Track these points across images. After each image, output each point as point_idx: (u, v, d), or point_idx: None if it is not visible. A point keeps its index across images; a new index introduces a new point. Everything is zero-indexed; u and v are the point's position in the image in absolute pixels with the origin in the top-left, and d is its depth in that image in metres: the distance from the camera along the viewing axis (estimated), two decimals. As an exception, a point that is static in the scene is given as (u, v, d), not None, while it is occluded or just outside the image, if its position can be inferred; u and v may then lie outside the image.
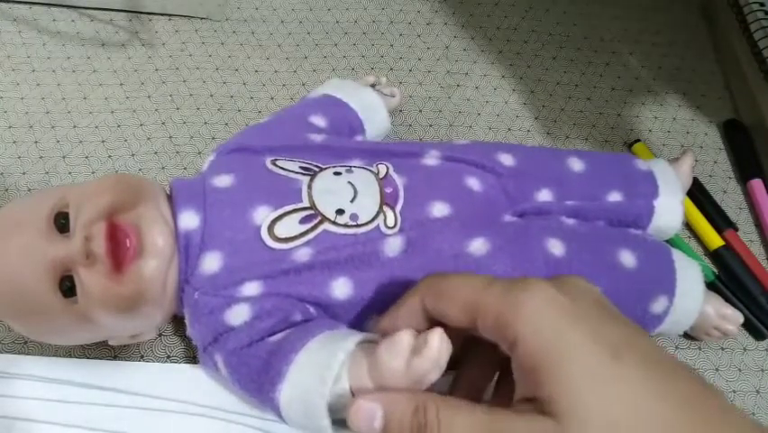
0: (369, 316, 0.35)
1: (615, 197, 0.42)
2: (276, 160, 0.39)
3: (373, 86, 0.50)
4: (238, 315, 0.34)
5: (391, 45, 0.59)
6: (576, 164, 0.43)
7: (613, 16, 0.63)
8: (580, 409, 0.23)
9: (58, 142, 0.49)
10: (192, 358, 0.39)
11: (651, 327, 0.40)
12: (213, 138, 0.51)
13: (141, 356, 0.39)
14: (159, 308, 0.35)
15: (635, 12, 0.64)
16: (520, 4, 0.64)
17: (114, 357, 0.39)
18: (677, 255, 0.41)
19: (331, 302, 0.35)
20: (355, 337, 0.31)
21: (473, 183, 0.40)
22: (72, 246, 0.32)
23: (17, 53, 0.54)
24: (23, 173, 0.47)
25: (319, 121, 0.44)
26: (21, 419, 0.36)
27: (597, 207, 0.42)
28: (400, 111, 0.53)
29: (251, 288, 0.34)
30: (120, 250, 0.32)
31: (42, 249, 0.32)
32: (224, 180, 0.37)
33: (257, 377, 0.32)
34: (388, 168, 0.39)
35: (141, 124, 0.51)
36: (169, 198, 0.37)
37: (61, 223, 0.33)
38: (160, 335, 0.40)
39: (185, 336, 0.40)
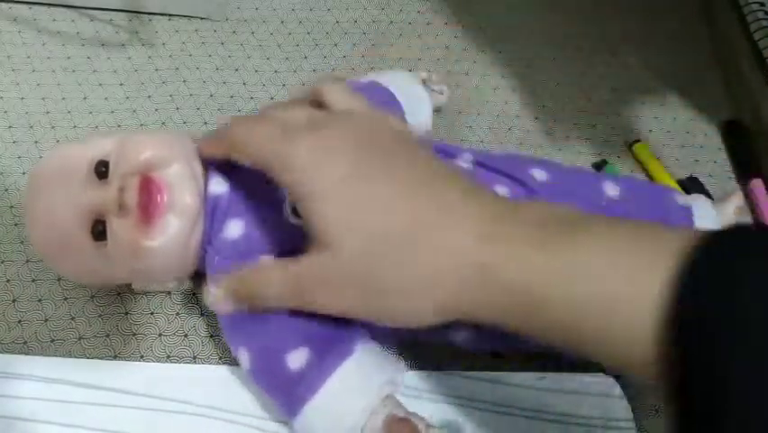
0: None
1: None
2: None
3: (424, 81, 0.50)
4: None
5: (391, 45, 0.59)
6: (611, 189, 0.41)
7: (613, 16, 0.63)
8: (342, 234, 0.28)
9: (58, 142, 0.49)
10: (192, 358, 0.39)
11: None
12: (213, 138, 0.51)
13: (141, 356, 0.39)
14: (180, 263, 0.37)
15: (635, 12, 0.64)
16: (520, 4, 0.64)
17: (114, 357, 0.39)
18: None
19: None
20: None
21: (501, 192, 0.39)
22: (107, 195, 0.34)
23: (17, 53, 0.54)
24: (23, 173, 0.47)
25: None
26: (21, 419, 0.36)
27: None
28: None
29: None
30: (151, 203, 0.34)
31: (81, 194, 0.34)
32: None
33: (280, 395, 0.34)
34: None
35: (142, 124, 0.51)
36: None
37: (101, 170, 0.35)
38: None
39: (185, 336, 0.40)
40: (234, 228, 0.36)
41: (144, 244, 0.34)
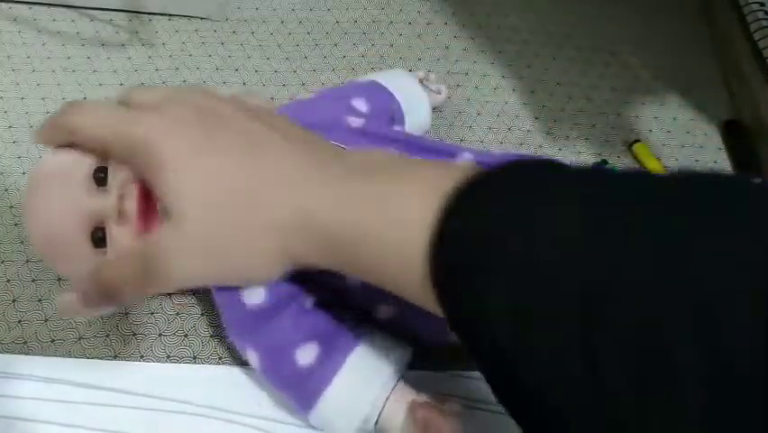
0: (380, 304, 0.36)
1: None
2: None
3: (421, 81, 0.51)
4: (253, 295, 0.35)
5: (391, 45, 0.59)
6: None
7: (613, 16, 0.63)
8: (182, 203, 0.30)
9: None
10: (192, 358, 0.39)
11: None
12: (213, 138, 0.51)
13: (141, 356, 0.39)
14: None
15: (635, 12, 0.64)
16: (520, 3, 0.64)
17: (114, 357, 0.39)
18: None
19: (343, 287, 0.36)
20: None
21: None
22: (107, 202, 0.33)
23: (17, 53, 0.54)
24: (23, 173, 0.47)
25: (361, 105, 0.44)
26: (20, 419, 0.36)
27: None
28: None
29: None
30: (150, 211, 0.34)
31: (80, 200, 0.34)
32: None
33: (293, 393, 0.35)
34: None
35: (141, 124, 0.51)
36: None
37: (100, 177, 0.34)
38: (160, 336, 0.40)
39: (185, 336, 0.40)
40: None
41: None
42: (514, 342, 0.22)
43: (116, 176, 0.34)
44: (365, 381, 0.34)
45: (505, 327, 0.22)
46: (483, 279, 0.23)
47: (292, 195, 0.30)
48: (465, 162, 0.29)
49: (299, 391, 0.34)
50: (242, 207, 0.30)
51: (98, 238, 0.34)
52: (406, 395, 0.35)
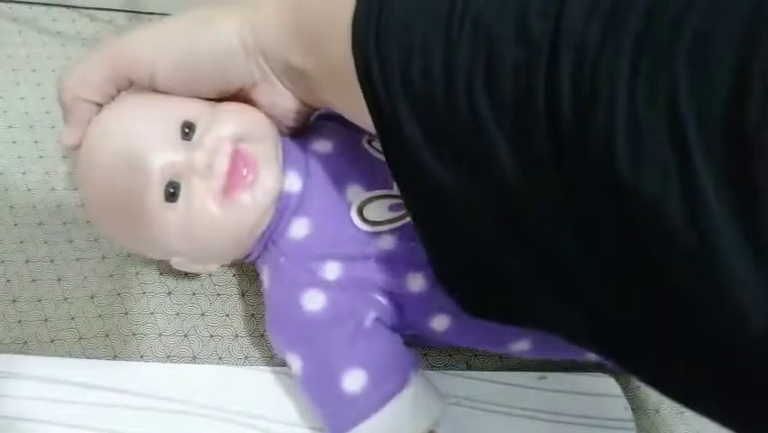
0: (435, 310, 0.35)
1: None
2: (372, 140, 0.38)
3: None
4: (314, 301, 0.34)
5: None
6: None
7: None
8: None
9: (58, 142, 0.49)
10: (192, 358, 0.39)
11: None
12: (213, 138, 0.51)
13: (141, 356, 0.39)
14: (235, 248, 0.36)
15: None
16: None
17: (114, 357, 0.39)
18: None
19: (404, 293, 0.35)
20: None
21: None
22: (196, 155, 0.33)
23: (17, 53, 0.54)
24: (23, 173, 0.47)
25: None
26: (21, 419, 0.36)
27: None
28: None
29: (332, 270, 0.35)
30: (236, 175, 0.34)
31: (164, 151, 0.33)
32: (326, 148, 0.37)
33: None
34: None
35: (141, 124, 0.51)
36: None
37: (185, 131, 0.34)
38: (160, 337, 0.40)
39: (185, 336, 0.40)
40: (299, 228, 0.35)
41: (217, 214, 0.33)
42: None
43: (208, 133, 0.34)
44: (403, 424, 0.33)
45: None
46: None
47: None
48: None
49: (336, 413, 0.33)
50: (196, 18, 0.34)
51: (170, 193, 0.34)
52: None
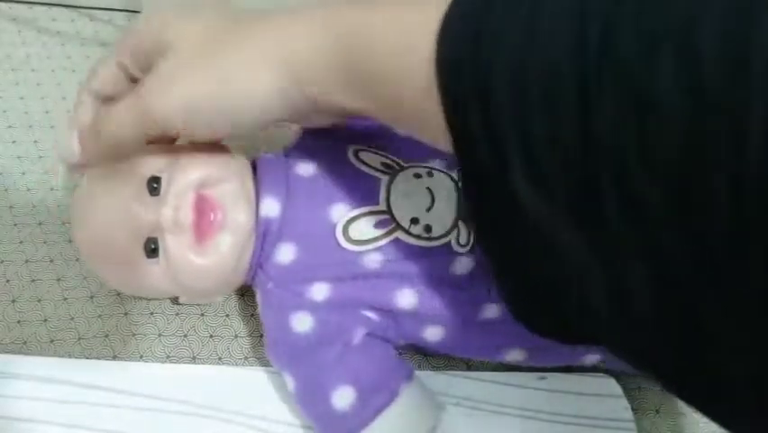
0: (427, 323, 0.36)
1: None
2: (359, 151, 0.38)
3: None
4: (302, 323, 0.35)
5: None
6: None
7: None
8: (180, 35, 0.31)
9: (57, 142, 0.49)
10: (192, 358, 0.39)
11: None
12: (213, 138, 0.51)
13: (141, 356, 0.39)
14: (230, 280, 0.37)
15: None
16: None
17: (114, 357, 0.39)
18: None
19: (393, 309, 0.35)
20: None
21: None
22: (162, 213, 0.34)
23: (17, 53, 0.54)
24: (23, 173, 0.47)
25: None
26: (20, 419, 0.36)
27: None
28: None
29: (320, 290, 0.35)
30: (204, 222, 0.34)
31: (134, 210, 0.34)
32: (307, 169, 0.37)
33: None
34: None
35: (141, 124, 0.51)
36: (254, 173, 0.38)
37: (153, 187, 0.35)
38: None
39: (185, 336, 0.40)
40: (286, 253, 0.36)
41: (198, 263, 0.34)
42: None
43: (171, 186, 0.34)
44: None
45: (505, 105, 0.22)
46: (484, 73, 0.22)
47: (281, 26, 0.30)
48: None
49: (330, 430, 0.34)
50: (235, 32, 0.31)
51: (151, 249, 0.35)
52: None
